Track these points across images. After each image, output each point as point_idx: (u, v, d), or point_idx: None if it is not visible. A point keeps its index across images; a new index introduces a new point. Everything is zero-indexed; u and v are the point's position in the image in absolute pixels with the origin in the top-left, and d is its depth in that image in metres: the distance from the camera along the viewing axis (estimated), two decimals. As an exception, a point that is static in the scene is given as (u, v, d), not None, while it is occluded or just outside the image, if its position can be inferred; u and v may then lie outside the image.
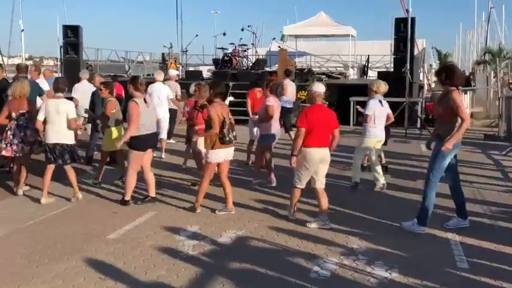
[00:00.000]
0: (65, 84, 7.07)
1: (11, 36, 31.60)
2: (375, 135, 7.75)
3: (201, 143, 7.47)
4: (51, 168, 6.98)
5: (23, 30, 19.26)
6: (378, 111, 7.70)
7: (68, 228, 5.90)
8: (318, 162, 5.97)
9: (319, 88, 6.06)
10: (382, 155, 8.67)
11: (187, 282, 4.48)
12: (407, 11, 16.28)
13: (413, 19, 15.39)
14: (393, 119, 8.20)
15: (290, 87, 12.13)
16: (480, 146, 11.92)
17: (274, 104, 7.91)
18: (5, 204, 6.93)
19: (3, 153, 7.23)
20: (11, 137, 7.15)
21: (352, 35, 26.62)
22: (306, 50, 28.28)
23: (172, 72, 12.86)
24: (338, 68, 26.30)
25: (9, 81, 9.05)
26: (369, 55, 22.92)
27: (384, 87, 8.00)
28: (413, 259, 5.04)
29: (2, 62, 18.39)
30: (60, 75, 16.67)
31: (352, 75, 25.05)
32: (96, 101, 8.82)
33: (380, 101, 7.81)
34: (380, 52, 25.65)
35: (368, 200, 7.16)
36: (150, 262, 4.92)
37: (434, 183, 5.81)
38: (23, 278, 4.52)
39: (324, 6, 60.55)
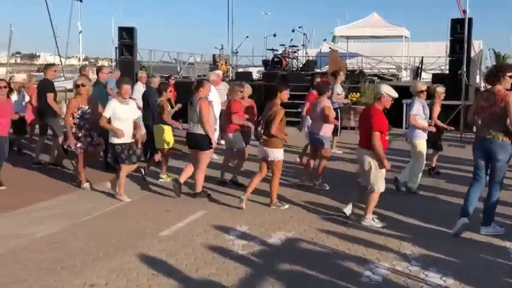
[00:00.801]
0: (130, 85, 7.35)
1: (69, 37, 32.90)
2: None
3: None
4: (124, 167, 7.13)
5: (81, 31, 19.98)
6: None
7: (122, 225, 6.07)
8: None
9: (392, 92, 6.06)
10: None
11: (237, 282, 4.51)
12: (464, 11, 15.77)
13: (470, 20, 14.89)
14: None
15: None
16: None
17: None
18: (66, 199, 7.21)
19: (72, 148, 7.59)
20: (78, 133, 7.54)
21: (405, 36, 26.02)
22: (357, 51, 27.87)
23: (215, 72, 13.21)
24: (390, 70, 25.76)
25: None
26: (422, 57, 22.32)
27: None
28: (469, 267, 4.87)
29: (59, 62, 19.12)
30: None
31: (405, 77, 24.47)
32: (151, 101, 9.01)
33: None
34: (434, 54, 24.94)
35: (421, 205, 6.98)
36: (201, 260, 4.98)
37: (499, 185, 5.70)
38: (79, 272, 4.68)
39: (376, 7, 59.69)
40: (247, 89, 8.64)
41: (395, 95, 6.10)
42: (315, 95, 8.85)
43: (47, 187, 7.69)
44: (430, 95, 8.19)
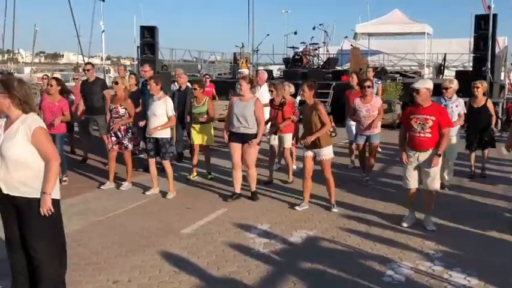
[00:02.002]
0: (163, 83, 7.47)
1: (92, 37, 33.30)
2: None
3: (288, 140, 8.00)
4: (152, 162, 7.36)
5: (103, 31, 20.10)
6: None
7: (145, 222, 6.13)
8: None
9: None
10: None
11: (258, 280, 4.51)
12: (488, 7, 15.53)
13: (495, 16, 14.67)
14: None
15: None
16: None
17: None
18: (90, 197, 7.31)
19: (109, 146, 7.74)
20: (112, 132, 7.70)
21: (428, 33, 25.69)
22: (378, 48, 27.62)
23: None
24: (412, 67, 25.47)
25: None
26: (445, 53, 22.04)
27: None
28: (495, 267, 4.78)
29: (82, 61, 19.31)
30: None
31: (428, 74, 24.16)
32: (181, 100, 9.08)
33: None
34: (457, 50, 24.59)
35: (445, 204, 6.88)
36: (222, 258, 5.00)
37: None
38: (103, 268, 4.74)
39: (398, 4, 58.97)
40: (290, 88, 8.71)
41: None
42: (355, 94, 8.65)
43: (71, 184, 7.80)
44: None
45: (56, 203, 3.79)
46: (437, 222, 6.07)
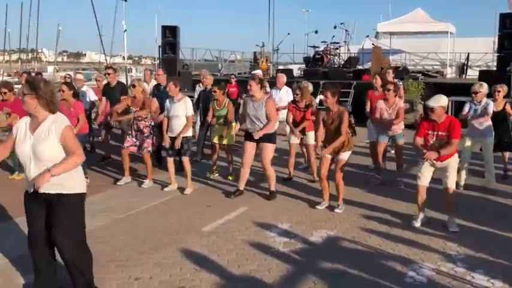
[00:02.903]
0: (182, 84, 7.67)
1: (113, 36, 33.69)
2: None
3: (311, 137, 8.07)
4: (171, 160, 7.55)
5: (125, 30, 20.35)
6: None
7: (166, 219, 6.19)
8: None
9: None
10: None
11: (278, 279, 4.52)
12: (513, 5, 15.26)
13: (520, 14, 14.39)
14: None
15: None
16: None
17: None
18: (112, 194, 7.40)
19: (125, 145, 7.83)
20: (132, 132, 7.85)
21: (450, 32, 25.36)
22: (400, 47, 27.38)
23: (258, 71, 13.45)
24: (435, 66, 25.19)
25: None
26: (468, 53, 21.72)
27: None
28: (519, 270, 4.72)
29: (104, 60, 19.53)
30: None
31: (450, 73, 23.87)
32: (206, 100, 9.14)
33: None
34: (481, 50, 24.21)
35: (467, 204, 6.80)
36: (243, 256, 5.02)
37: None
38: (125, 265, 4.80)
39: (420, 2, 58.15)
40: (309, 87, 8.77)
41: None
42: (378, 95, 8.55)
43: (94, 181, 7.90)
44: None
45: (82, 197, 3.88)
46: (460, 223, 6.00)
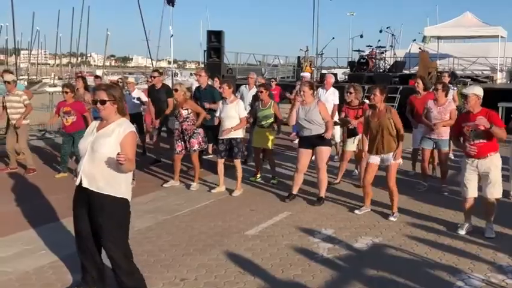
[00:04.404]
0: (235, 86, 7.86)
1: (160, 41, 34.38)
2: None
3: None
4: (221, 162, 7.69)
5: (172, 35, 20.67)
6: None
7: (211, 222, 6.26)
8: None
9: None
10: None
11: (323, 285, 4.50)
12: None
13: None
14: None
15: None
16: None
17: None
18: (158, 195, 7.55)
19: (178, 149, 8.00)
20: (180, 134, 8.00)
21: (501, 36, 24.56)
22: (448, 51, 26.70)
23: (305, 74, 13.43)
24: (484, 72, 24.44)
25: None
26: (520, 58, 20.99)
27: None
28: None
29: (151, 64, 19.91)
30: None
31: (501, 79, 23.12)
32: (252, 103, 9.27)
33: None
34: (534, 54, 23.36)
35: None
36: (286, 261, 5.02)
37: None
38: (170, 265, 4.89)
39: (469, 6, 56.73)
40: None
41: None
42: (420, 100, 8.42)
43: (141, 183, 8.08)
44: None
45: (126, 202, 3.98)
46: (510, 233, 5.81)
